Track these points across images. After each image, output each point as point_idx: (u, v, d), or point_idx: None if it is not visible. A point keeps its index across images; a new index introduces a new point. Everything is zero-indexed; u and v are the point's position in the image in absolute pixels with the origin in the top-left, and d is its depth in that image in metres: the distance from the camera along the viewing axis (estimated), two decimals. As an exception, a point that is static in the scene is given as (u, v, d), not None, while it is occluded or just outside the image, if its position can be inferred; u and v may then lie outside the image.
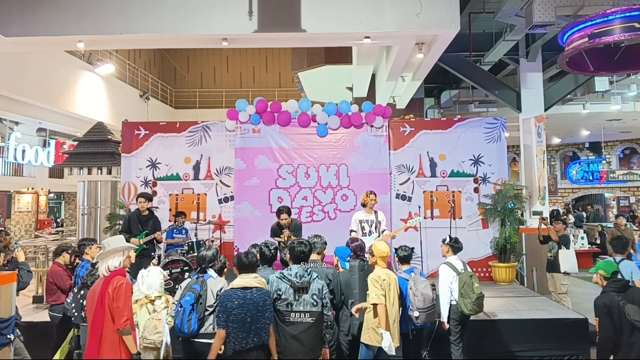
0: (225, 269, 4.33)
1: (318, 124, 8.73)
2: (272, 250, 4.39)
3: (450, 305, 4.97)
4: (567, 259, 7.89)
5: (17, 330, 4.65)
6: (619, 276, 4.09)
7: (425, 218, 8.42)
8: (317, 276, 3.95)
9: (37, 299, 7.30)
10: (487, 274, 8.47)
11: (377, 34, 7.58)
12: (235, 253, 7.26)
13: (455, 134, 8.85)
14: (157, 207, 8.38)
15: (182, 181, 8.86)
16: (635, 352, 3.75)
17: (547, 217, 8.94)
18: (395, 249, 5.01)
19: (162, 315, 4.14)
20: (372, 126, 8.76)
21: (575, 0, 6.88)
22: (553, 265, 7.55)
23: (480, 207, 8.66)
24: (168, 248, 7.73)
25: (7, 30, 7.46)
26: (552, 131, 17.11)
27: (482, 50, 10.36)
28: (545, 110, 10.37)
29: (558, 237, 7.51)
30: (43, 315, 6.04)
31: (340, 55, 11.13)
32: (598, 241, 14.53)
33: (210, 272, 4.15)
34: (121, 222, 7.65)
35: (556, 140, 20.40)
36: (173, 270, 6.74)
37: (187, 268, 6.80)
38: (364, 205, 6.67)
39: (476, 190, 8.76)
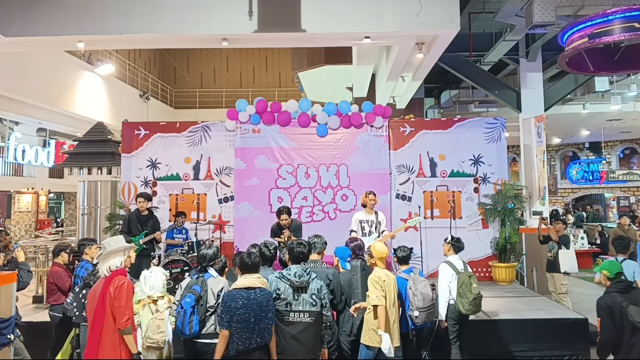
0: (226, 269, 4.33)
1: (318, 124, 8.73)
2: (272, 251, 4.39)
3: (448, 304, 4.98)
4: (567, 259, 7.91)
5: (17, 330, 4.65)
6: (623, 277, 4.07)
7: (425, 218, 8.41)
8: (316, 276, 3.95)
9: (37, 299, 7.30)
10: (487, 274, 8.46)
11: (377, 34, 7.58)
12: (235, 252, 7.28)
13: (455, 134, 8.85)
14: (157, 207, 8.39)
15: (182, 181, 8.85)
16: (636, 353, 3.75)
17: (547, 217, 8.94)
18: (394, 249, 5.02)
19: (165, 315, 4.15)
20: (372, 126, 8.75)
21: (575, 0, 6.88)
22: (553, 265, 7.56)
23: (480, 207, 8.66)
24: (168, 248, 7.73)
25: (7, 30, 7.46)
26: (552, 131, 17.11)
27: (482, 50, 10.36)
28: (545, 110, 10.37)
29: (558, 237, 7.51)
30: (43, 315, 6.04)
31: (340, 55, 11.13)
32: (598, 241, 14.54)
33: (211, 271, 4.13)
34: (121, 222, 7.65)
35: (556, 140, 20.41)
36: (173, 270, 6.73)
37: (187, 268, 6.79)
38: (364, 205, 6.69)
39: (476, 190, 8.76)
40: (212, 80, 24.69)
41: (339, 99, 9.68)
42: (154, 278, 4.34)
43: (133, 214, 7.13)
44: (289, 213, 6.66)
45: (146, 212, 7.07)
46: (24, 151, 14.71)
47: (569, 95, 12.43)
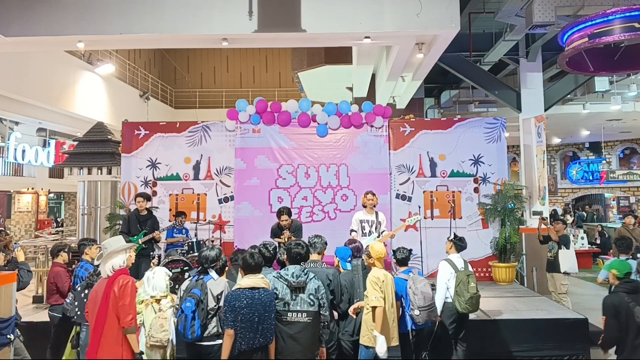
0: (227, 268, 4.32)
1: (318, 124, 8.73)
2: (271, 251, 4.40)
3: (445, 302, 4.99)
4: (567, 259, 7.90)
5: (17, 330, 4.65)
6: (632, 277, 4.06)
7: (425, 218, 8.42)
8: (314, 276, 3.95)
9: (37, 299, 7.30)
10: (487, 274, 8.46)
11: (377, 34, 7.58)
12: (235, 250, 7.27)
13: (455, 134, 8.85)
14: (157, 207, 8.39)
15: (182, 181, 8.85)
16: (640, 354, 3.74)
17: (547, 217, 8.93)
18: (394, 251, 5.02)
19: (168, 314, 4.16)
20: (372, 126, 8.75)
21: (575, 0, 6.88)
22: (553, 265, 7.55)
23: (480, 207, 8.66)
24: (168, 248, 7.73)
25: (7, 30, 7.47)
26: (552, 131, 17.10)
27: (482, 50, 10.36)
28: (545, 110, 10.37)
29: (558, 237, 7.51)
30: (43, 315, 6.04)
31: (340, 55, 11.13)
32: (598, 241, 14.54)
33: (212, 273, 4.09)
34: (121, 222, 7.66)
35: (556, 140, 20.40)
36: (173, 270, 6.72)
37: (187, 268, 6.79)
38: (364, 205, 6.70)
39: (476, 190, 8.76)
40: (212, 80, 24.69)
41: (339, 99, 9.68)
42: (157, 279, 4.35)
43: (132, 214, 7.14)
44: (289, 214, 6.66)
45: (145, 212, 7.08)
46: (24, 151, 14.72)
47: (569, 95, 12.43)
